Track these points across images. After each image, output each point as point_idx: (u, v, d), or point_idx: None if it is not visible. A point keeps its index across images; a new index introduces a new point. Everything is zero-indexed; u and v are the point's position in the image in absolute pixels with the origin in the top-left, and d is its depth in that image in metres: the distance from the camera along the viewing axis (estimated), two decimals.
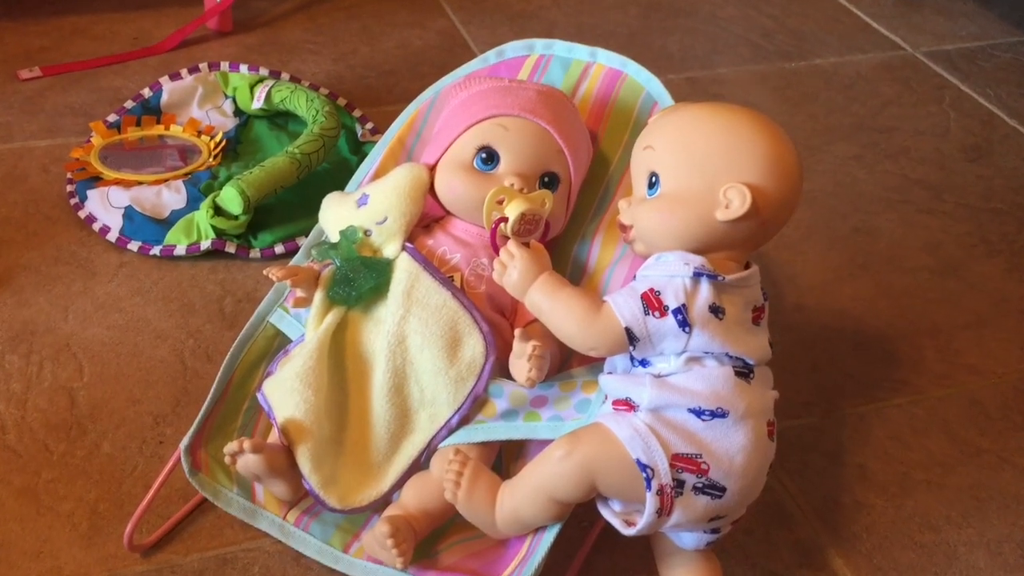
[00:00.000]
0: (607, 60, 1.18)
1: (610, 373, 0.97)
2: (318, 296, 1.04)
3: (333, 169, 1.53)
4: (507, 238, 1.01)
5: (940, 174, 1.74)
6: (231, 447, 0.96)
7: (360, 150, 1.61)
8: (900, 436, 1.25)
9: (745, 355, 0.91)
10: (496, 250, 1.02)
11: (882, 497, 1.17)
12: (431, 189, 1.09)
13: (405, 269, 1.03)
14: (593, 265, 1.11)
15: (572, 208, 1.11)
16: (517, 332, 0.97)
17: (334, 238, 1.08)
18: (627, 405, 0.91)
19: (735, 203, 0.91)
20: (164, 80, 1.66)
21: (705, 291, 0.90)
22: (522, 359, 0.97)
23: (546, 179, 1.06)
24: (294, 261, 1.13)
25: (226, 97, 1.68)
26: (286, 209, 1.46)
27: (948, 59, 2.09)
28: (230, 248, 1.41)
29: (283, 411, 0.99)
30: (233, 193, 1.37)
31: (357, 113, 1.69)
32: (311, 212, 1.17)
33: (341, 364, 1.03)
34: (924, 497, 1.17)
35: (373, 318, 1.04)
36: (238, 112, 1.66)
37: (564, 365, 1.05)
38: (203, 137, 1.60)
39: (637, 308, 0.90)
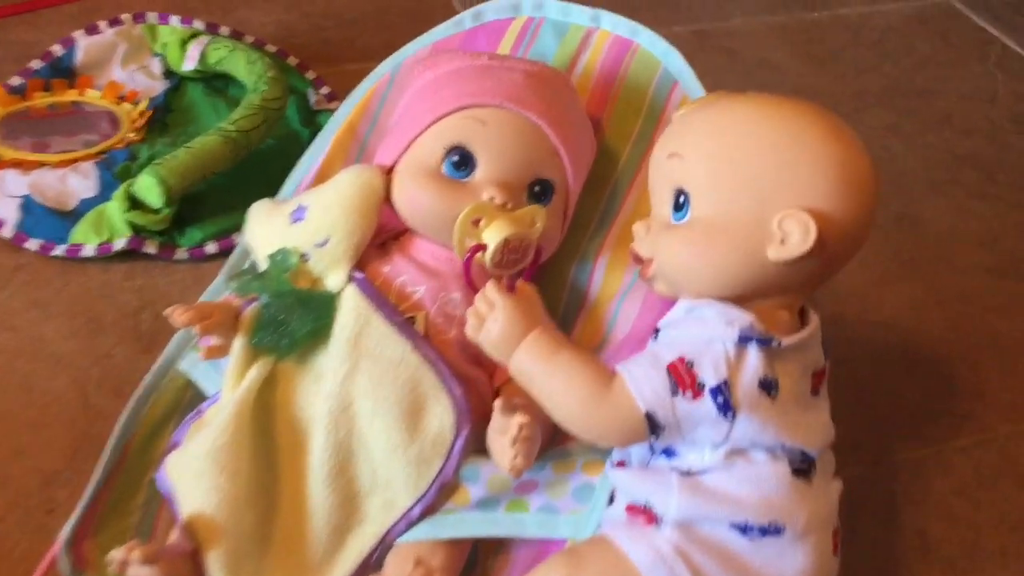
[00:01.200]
0: (613, 26, 0.93)
1: (621, 463, 0.73)
2: (238, 344, 0.79)
3: (280, 145, 1.28)
4: (491, 273, 0.77)
5: (991, 148, 1.50)
6: (116, 555, 0.72)
7: (314, 120, 1.35)
8: (966, 490, 1.03)
9: (806, 445, 0.68)
10: (472, 287, 0.78)
11: (949, 574, 0.94)
12: (388, 198, 0.84)
13: (352, 309, 0.79)
14: (595, 294, 0.87)
15: (570, 220, 0.87)
16: (497, 403, 0.73)
17: (262, 263, 0.83)
18: (646, 514, 0.68)
19: (794, 237, 0.68)
20: (79, 35, 1.39)
21: (754, 361, 0.66)
22: (505, 436, 0.73)
23: (537, 189, 0.82)
24: (207, 294, 0.89)
25: (154, 55, 1.41)
26: (220, 197, 1.21)
27: (989, 9, 1.84)
28: (150, 248, 1.15)
29: (189, 502, 0.76)
30: (151, 182, 1.12)
31: (311, 75, 1.44)
32: (250, 201, 0.93)
33: (269, 433, 0.79)
34: (1000, 575, 0.95)
35: (311, 373, 0.79)
36: (168, 74, 1.40)
37: (559, 435, 0.81)
38: (124, 104, 1.34)
39: (662, 385, 0.66)
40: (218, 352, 0.80)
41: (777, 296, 0.71)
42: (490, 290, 0.73)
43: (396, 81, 0.92)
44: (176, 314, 0.78)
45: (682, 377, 0.66)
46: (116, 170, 1.20)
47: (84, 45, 1.38)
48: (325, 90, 1.41)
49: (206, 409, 0.82)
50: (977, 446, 1.07)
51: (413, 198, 0.82)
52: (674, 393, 0.66)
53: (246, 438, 0.77)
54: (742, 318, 0.67)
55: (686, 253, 0.71)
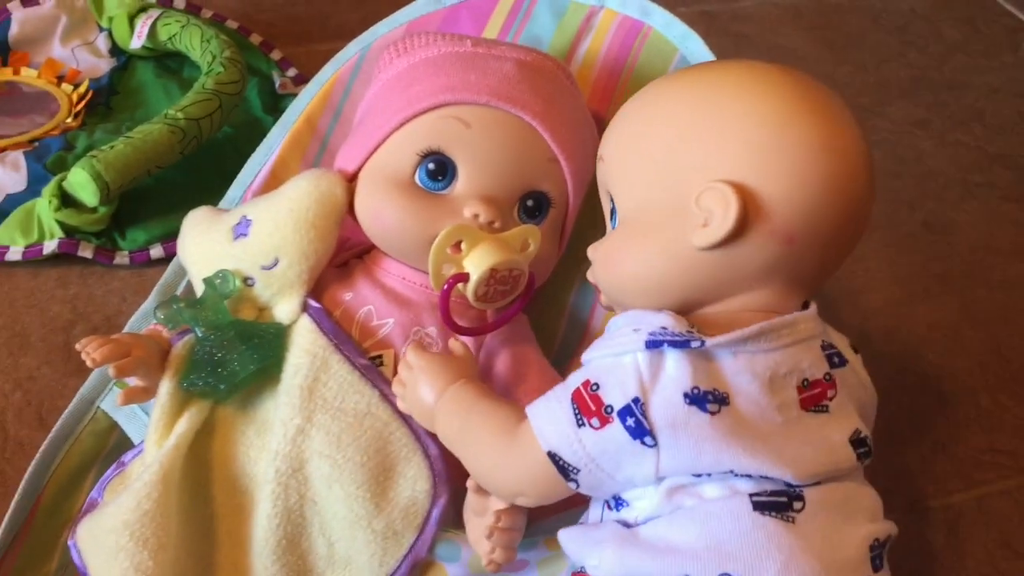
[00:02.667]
0: (620, 4, 0.80)
1: (581, 523, 0.61)
2: (166, 387, 0.65)
3: (239, 134, 1.14)
4: (474, 307, 0.64)
5: None
6: None
7: (278, 106, 1.21)
8: (1012, 541, 0.91)
9: (782, 471, 0.54)
10: (450, 325, 0.64)
11: None
12: (350, 209, 0.70)
13: (306, 348, 0.65)
14: (600, 325, 0.73)
15: (568, 239, 0.73)
16: (472, 480, 0.59)
17: (198, 287, 0.69)
18: None
19: (716, 214, 0.55)
20: (14, 6, 1.24)
21: (675, 370, 0.53)
22: (481, 520, 0.60)
23: (530, 204, 0.68)
24: (133, 322, 0.74)
25: (100, 30, 1.26)
26: (168, 194, 1.07)
27: None
28: (86, 252, 1.01)
29: None
30: (84, 177, 0.98)
31: (276, 55, 1.30)
32: (203, 198, 0.81)
33: (203, 496, 0.66)
34: None
35: (255, 423, 0.66)
36: (115, 51, 1.25)
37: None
38: (64, 85, 1.19)
39: (564, 418, 0.55)
40: (140, 396, 0.66)
41: (740, 295, 0.58)
42: (410, 354, 0.63)
43: (363, 67, 0.78)
44: (89, 348, 0.64)
45: (586, 404, 0.54)
46: (48, 161, 1.06)
47: (19, 18, 1.23)
48: (292, 72, 1.27)
49: (129, 461, 0.68)
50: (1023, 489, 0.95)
51: (379, 213, 0.68)
52: (579, 424, 0.54)
53: (175, 504, 0.63)
54: (654, 319, 0.55)
55: (609, 261, 0.61)
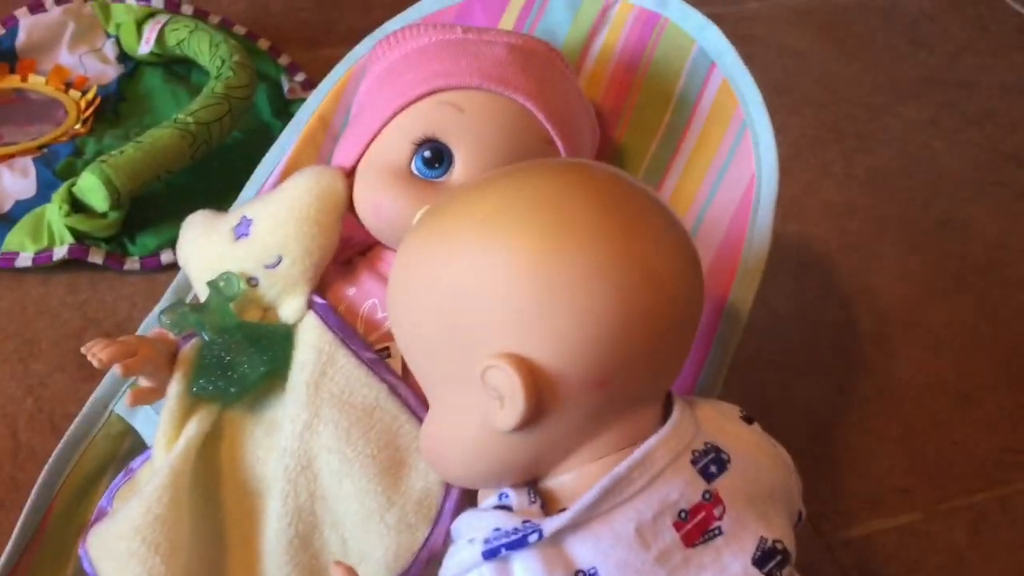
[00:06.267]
0: None
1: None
2: (174, 391, 0.64)
3: (248, 139, 1.14)
4: None
5: None
6: None
7: (287, 111, 1.21)
8: None
9: None
10: None
11: None
12: (351, 206, 0.69)
13: (312, 343, 0.64)
14: None
15: None
16: None
17: (201, 291, 0.68)
18: None
19: (505, 395, 0.49)
20: (22, 13, 1.25)
21: (524, 572, 0.49)
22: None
23: None
24: (143, 327, 0.73)
25: (108, 36, 1.27)
26: (178, 199, 1.06)
27: None
28: (96, 257, 1.01)
29: None
30: (95, 182, 0.97)
31: (284, 60, 1.30)
32: (213, 204, 0.80)
33: (214, 499, 0.65)
34: None
35: (263, 423, 0.65)
36: (123, 58, 1.25)
37: None
38: (72, 92, 1.19)
39: None
40: (149, 396, 0.66)
41: (581, 450, 0.51)
42: None
43: (367, 65, 0.78)
44: (95, 349, 0.63)
45: None
46: (58, 167, 1.06)
47: (27, 25, 1.24)
48: (300, 77, 1.27)
49: (137, 468, 0.67)
50: None
51: (378, 204, 0.67)
52: None
53: (186, 508, 0.62)
54: (484, 523, 0.50)
55: (432, 454, 0.57)
